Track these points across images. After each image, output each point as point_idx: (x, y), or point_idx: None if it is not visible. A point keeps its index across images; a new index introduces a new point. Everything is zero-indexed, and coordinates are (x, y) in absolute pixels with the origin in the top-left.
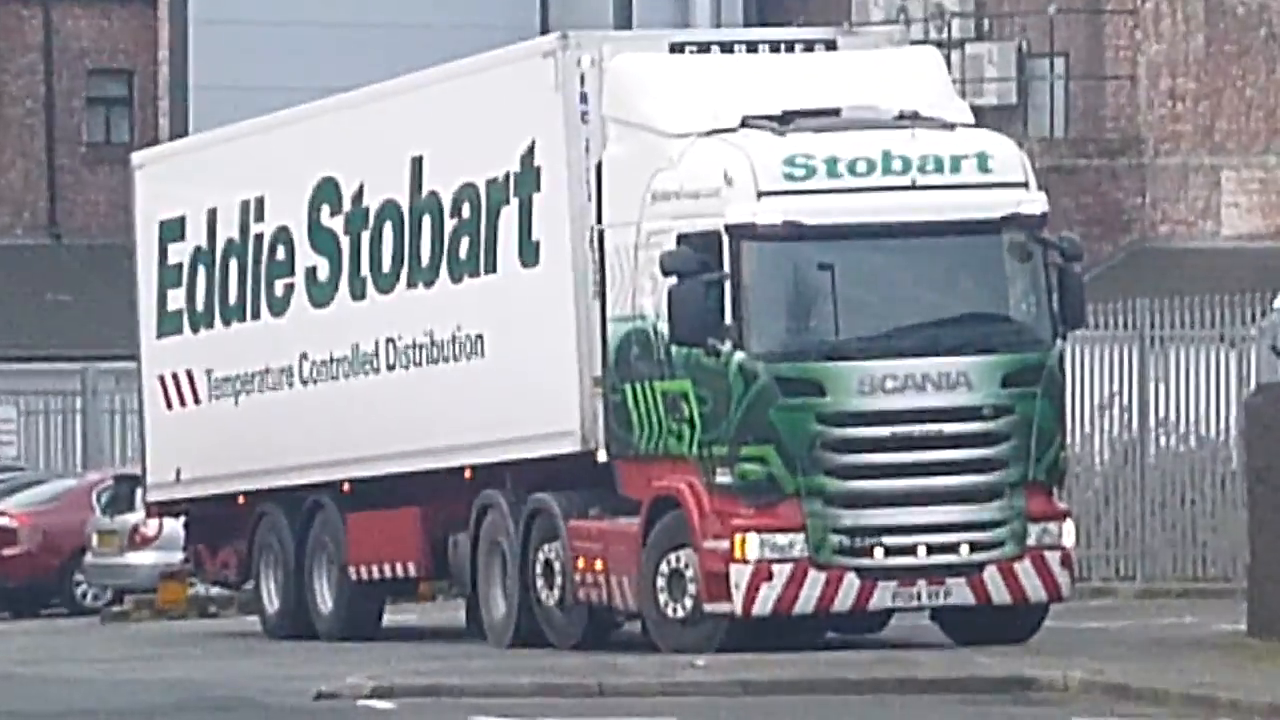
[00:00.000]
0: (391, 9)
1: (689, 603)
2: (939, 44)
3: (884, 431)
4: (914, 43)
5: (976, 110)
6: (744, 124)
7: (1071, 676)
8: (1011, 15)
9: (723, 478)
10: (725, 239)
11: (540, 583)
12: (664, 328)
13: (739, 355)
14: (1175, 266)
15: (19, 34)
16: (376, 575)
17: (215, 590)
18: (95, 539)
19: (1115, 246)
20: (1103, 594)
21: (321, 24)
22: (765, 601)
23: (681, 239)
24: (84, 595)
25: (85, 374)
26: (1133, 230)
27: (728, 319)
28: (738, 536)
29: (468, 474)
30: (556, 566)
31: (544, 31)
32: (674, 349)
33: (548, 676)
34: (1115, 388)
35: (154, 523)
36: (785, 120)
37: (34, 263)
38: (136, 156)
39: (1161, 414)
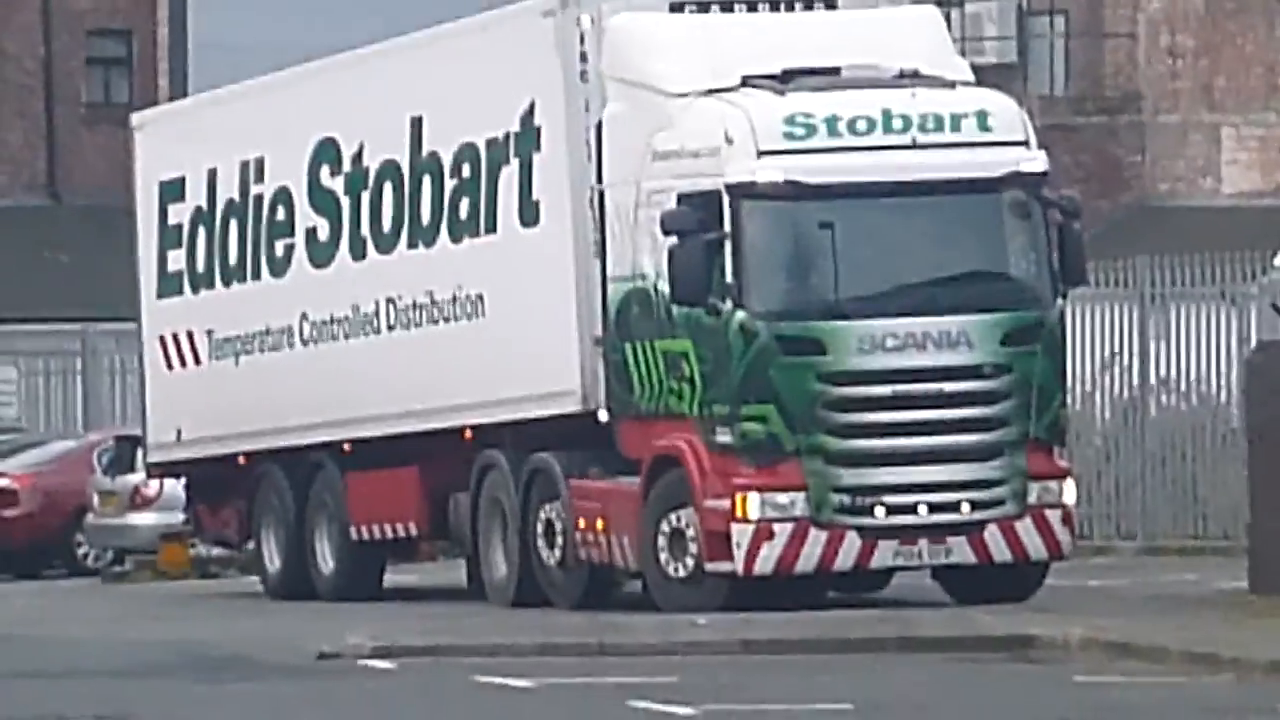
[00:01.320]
0: None
1: (690, 562)
2: (939, 3)
3: (884, 390)
4: (914, 1)
5: (976, 69)
6: (744, 83)
7: (1072, 635)
8: None
9: (723, 437)
10: (725, 198)
11: (541, 542)
12: (664, 287)
13: (739, 314)
14: (1175, 224)
15: None
16: (377, 535)
17: (216, 551)
18: (96, 500)
19: (1115, 204)
20: (1104, 552)
21: None
22: (766, 560)
23: (682, 198)
24: (85, 556)
25: (85, 335)
26: (1133, 188)
27: (728, 278)
28: (738, 496)
29: (468, 434)
30: (557, 526)
31: None
32: (674, 308)
33: (549, 636)
34: (1115, 346)
35: (155, 483)
36: (785, 79)
37: (33, 223)
38: (136, 117)
39: (1162, 372)
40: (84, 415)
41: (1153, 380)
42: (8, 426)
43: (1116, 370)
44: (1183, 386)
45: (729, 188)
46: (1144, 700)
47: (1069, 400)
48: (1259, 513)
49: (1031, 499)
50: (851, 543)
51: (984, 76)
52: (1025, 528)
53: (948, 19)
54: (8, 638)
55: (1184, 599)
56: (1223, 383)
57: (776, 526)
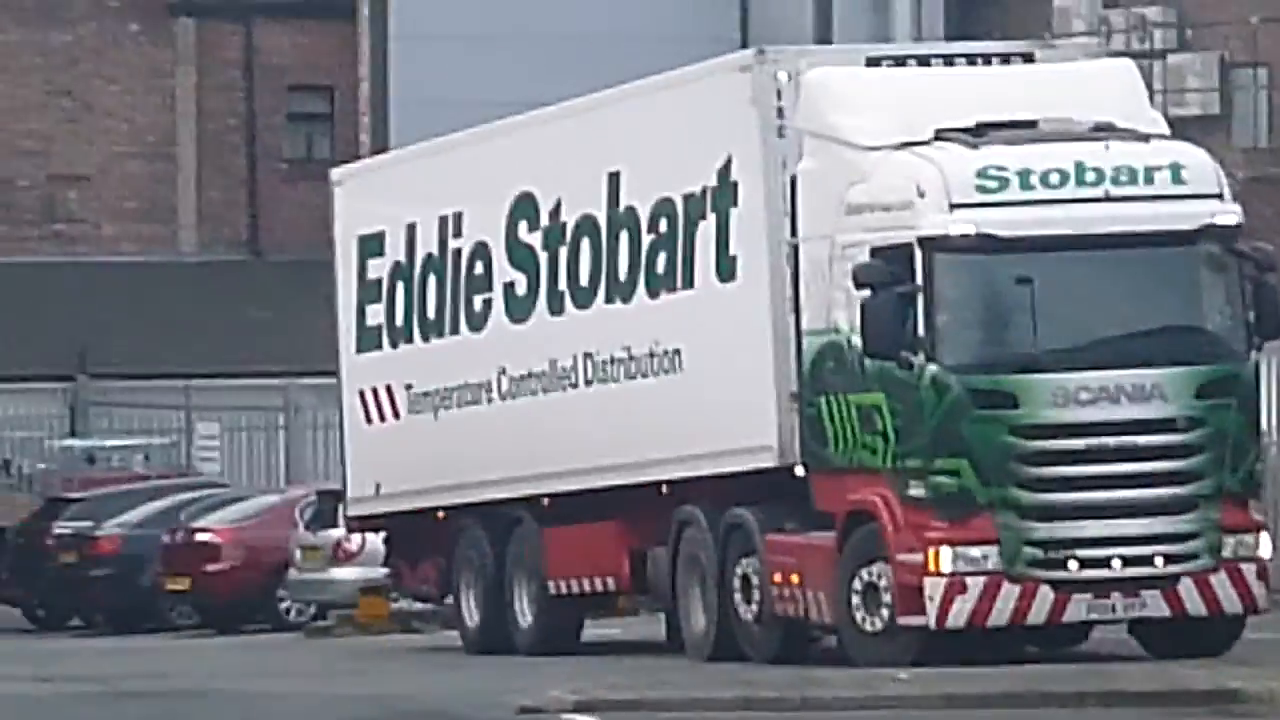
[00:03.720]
0: (590, 21)
1: (884, 616)
2: (1141, 55)
3: (1078, 444)
4: (1116, 54)
5: (1179, 121)
6: (937, 136)
7: (1277, 688)
8: (1214, 25)
9: (916, 490)
10: (918, 251)
11: (738, 597)
12: (858, 341)
13: (932, 368)
14: None
15: (219, 51)
16: (576, 590)
17: (416, 605)
18: (299, 554)
19: None
20: None
21: (520, 37)
22: (959, 614)
23: (875, 252)
24: (287, 611)
25: (287, 390)
26: None
27: (920, 331)
28: (931, 550)
29: (665, 489)
30: (754, 581)
31: (744, 44)
32: (867, 362)
33: (750, 690)
34: None
35: (356, 538)
36: (978, 132)
37: (235, 279)
38: (336, 173)
39: None
40: (286, 470)
41: None
42: (211, 482)
43: None
44: None
45: (921, 241)
46: None
47: (1263, 453)
48: None
49: (1226, 552)
50: (1045, 597)
51: (1187, 129)
52: (1220, 581)
53: (1150, 72)
54: (206, 693)
55: None
56: None
57: (969, 580)
